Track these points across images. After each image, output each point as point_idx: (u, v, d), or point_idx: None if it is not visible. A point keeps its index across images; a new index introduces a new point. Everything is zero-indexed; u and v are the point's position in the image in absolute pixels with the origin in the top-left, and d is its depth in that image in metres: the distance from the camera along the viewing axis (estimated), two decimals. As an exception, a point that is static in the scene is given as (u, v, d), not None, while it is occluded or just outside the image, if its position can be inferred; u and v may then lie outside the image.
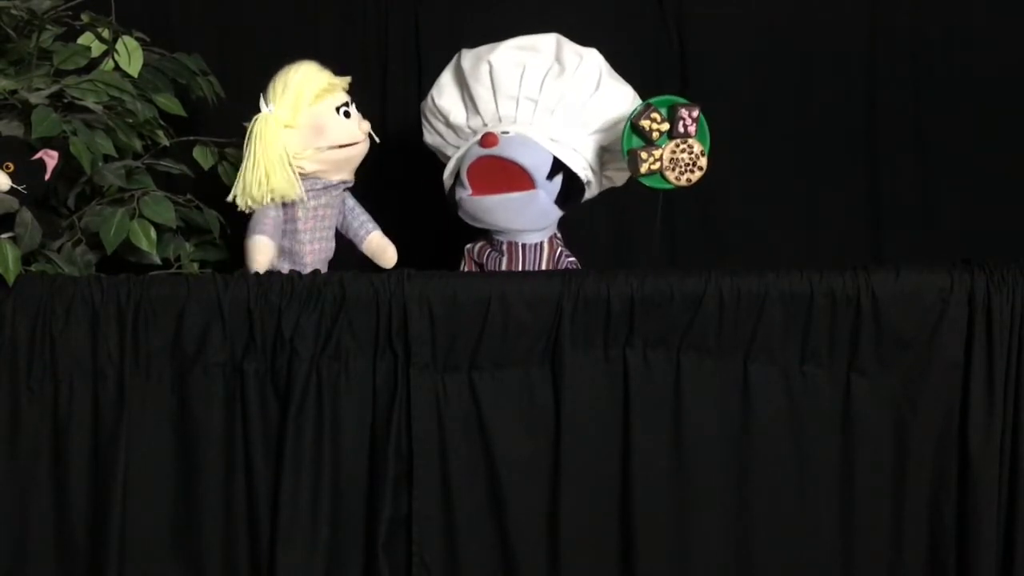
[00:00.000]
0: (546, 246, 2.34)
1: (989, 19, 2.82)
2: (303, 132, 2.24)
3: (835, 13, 2.83)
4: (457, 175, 2.32)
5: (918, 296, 2.05)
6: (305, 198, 2.25)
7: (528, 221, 2.31)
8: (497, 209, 2.29)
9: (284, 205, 2.26)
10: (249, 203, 2.24)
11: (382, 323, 2.05)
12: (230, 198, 2.24)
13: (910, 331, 2.06)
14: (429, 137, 2.45)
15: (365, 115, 2.39)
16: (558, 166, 2.29)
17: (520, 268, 2.33)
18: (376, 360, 2.06)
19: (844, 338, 2.06)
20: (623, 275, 2.06)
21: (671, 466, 2.07)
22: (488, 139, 2.26)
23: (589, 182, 2.36)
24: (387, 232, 2.43)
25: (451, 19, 2.81)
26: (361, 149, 2.31)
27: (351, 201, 2.38)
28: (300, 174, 2.25)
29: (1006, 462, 2.07)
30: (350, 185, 2.35)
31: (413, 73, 2.80)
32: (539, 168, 2.27)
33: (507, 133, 2.28)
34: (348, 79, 2.31)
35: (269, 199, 2.23)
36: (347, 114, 2.28)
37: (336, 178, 2.30)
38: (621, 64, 2.73)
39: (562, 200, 2.31)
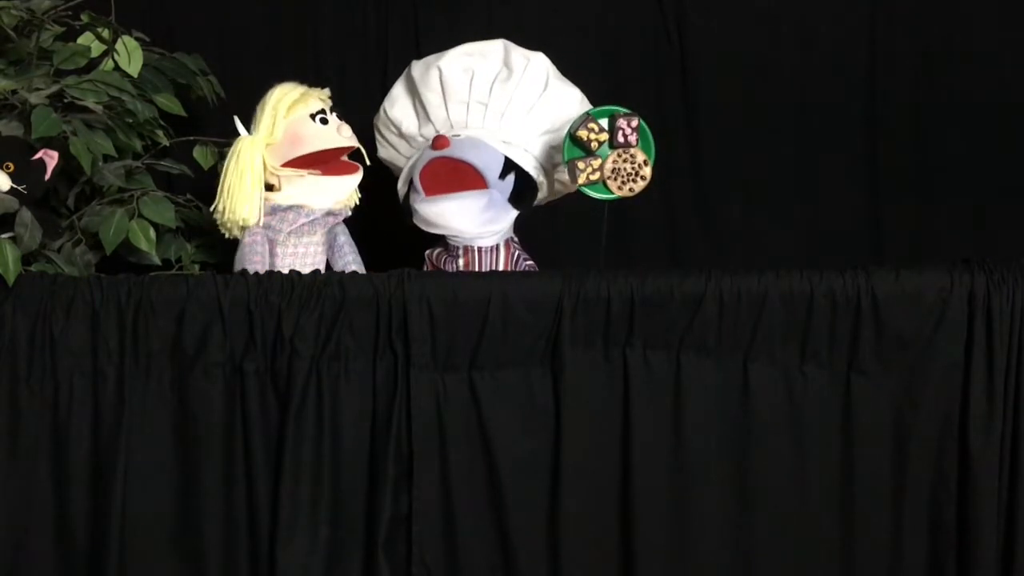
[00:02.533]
0: (502, 249, 2.34)
1: (989, 19, 2.82)
2: (281, 146, 2.25)
3: (835, 13, 2.83)
4: (411, 182, 2.31)
5: (918, 296, 2.05)
6: (261, 220, 2.24)
7: (482, 222, 2.30)
8: (451, 211, 2.28)
9: (267, 240, 2.26)
10: (226, 230, 2.26)
11: (382, 323, 2.05)
12: (221, 229, 2.28)
13: (910, 331, 2.06)
14: (383, 151, 2.45)
15: (365, 116, 2.39)
16: (510, 166, 2.30)
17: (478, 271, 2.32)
18: (376, 360, 2.06)
19: (844, 338, 2.06)
20: (623, 275, 2.06)
21: (671, 466, 2.07)
22: (439, 141, 2.26)
23: (541, 182, 2.36)
24: (387, 236, 2.43)
25: (451, 19, 2.81)
26: (347, 181, 2.30)
27: (343, 238, 2.36)
28: (281, 204, 2.25)
29: (1006, 462, 2.06)
30: (339, 219, 2.33)
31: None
32: (490, 167, 2.28)
33: (458, 136, 2.29)
34: (327, 91, 2.33)
35: (239, 225, 2.24)
36: (324, 120, 2.28)
37: (319, 207, 2.28)
38: (621, 64, 2.74)
39: (515, 199, 2.31)
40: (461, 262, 2.33)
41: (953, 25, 2.82)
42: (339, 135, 2.29)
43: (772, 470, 2.08)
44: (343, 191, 2.32)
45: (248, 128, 2.27)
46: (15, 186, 2.13)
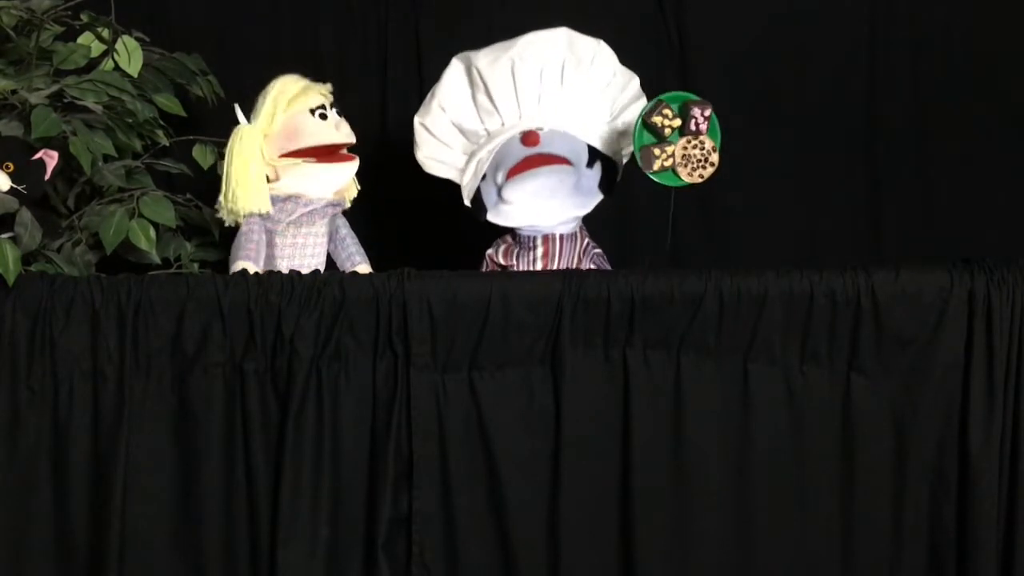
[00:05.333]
0: (579, 236, 2.34)
1: (989, 19, 2.82)
2: (278, 138, 2.25)
3: (835, 12, 2.83)
4: (483, 178, 2.29)
5: (918, 296, 2.05)
6: (271, 212, 2.24)
7: (572, 201, 2.28)
8: (544, 185, 2.26)
9: (266, 230, 2.26)
10: (231, 217, 2.25)
11: (382, 323, 2.05)
12: (219, 215, 2.27)
13: (910, 331, 2.06)
14: (427, 150, 2.38)
15: (365, 116, 2.39)
16: (594, 154, 2.30)
17: (557, 261, 2.31)
18: (376, 360, 2.06)
19: (844, 338, 2.06)
20: (623, 275, 2.06)
21: (671, 466, 2.07)
22: (530, 138, 2.26)
23: (619, 165, 2.37)
24: (388, 234, 2.43)
25: (451, 19, 2.81)
26: (344, 170, 2.29)
27: (345, 230, 2.36)
28: (278, 194, 2.25)
29: (1006, 462, 2.06)
30: (339, 209, 2.33)
31: (413, 73, 2.80)
32: (580, 157, 2.29)
33: (541, 129, 2.28)
34: (328, 86, 2.32)
35: (244, 213, 2.24)
36: (323, 116, 2.27)
37: (317, 196, 2.27)
38: (622, 64, 2.73)
39: (604, 186, 2.32)
40: (540, 251, 2.31)
41: (953, 25, 2.82)
42: (336, 131, 2.28)
43: (772, 470, 2.08)
44: (340, 180, 2.31)
45: (248, 117, 2.27)
46: (15, 186, 2.13)
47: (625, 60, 2.69)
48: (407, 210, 2.58)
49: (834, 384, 2.08)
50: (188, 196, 2.42)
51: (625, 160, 2.38)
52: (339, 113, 2.31)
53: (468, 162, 2.34)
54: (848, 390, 2.08)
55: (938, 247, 2.79)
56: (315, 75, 2.41)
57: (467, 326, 2.05)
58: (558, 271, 2.27)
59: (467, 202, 2.33)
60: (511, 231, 2.33)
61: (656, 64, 2.83)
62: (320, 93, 2.30)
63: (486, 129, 2.34)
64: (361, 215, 2.42)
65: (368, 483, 2.07)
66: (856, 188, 2.85)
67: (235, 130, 2.26)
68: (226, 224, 2.29)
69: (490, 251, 2.37)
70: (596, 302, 2.04)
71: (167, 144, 2.40)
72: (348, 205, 2.37)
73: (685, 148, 2.18)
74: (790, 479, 2.08)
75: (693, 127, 2.17)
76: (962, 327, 2.05)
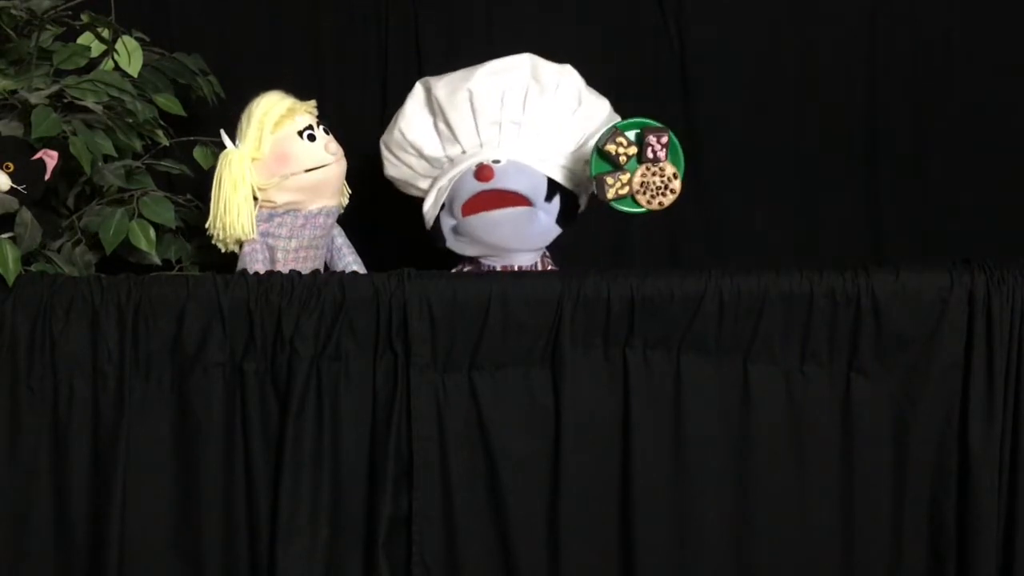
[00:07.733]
0: (540, 264, 2.34)
1: (989, 19, 2.82)
2: (267, 163, 2.23)
3: (835, 13, 2.83)
4: (443, 206, 2.30)
5: (918, 296, 2.05)
6: (256, 235, 2.23)
7: (528, 239, 2.30)
8: (498, 225, 2.26)
9: (267, 247, 2.25)
10: (226, 242, 2.25)
11: (382, 323, 2.05)
12: (214, 240, 2.26)
13: (910, 331, 2.06)
14: (393, 170, 2.40)
15: (365, 119, 2.38)
16: (553, 187, 2.29)
17: None
18: (376, 360, 2.06)
19: (844, 338, 2.06)
20: (623, 275, 2.06)
21: (671, 466, 2.07)
22: (484, 173, 2.23)
23: (583, 199, 2.36)
24: (385, 239, 2.42)
25: (451, 21, 2.81)
26: (332, 171, 2.28)
27: (341, 239, 2.35)
28: (275, 209, 2.24)
29: (1006, 462, 2.06)
30: (335, 214, 2.31)
31: (413, 73, 2.79)
32: (537, 191, 2.26)
33: (498, 162, 2.26)
34: (312, 103, 2.30)
35: (232, 240, 2.23)
36: (311, 137, 2.26)
37: (315, 206, 2.27)
38: (621, 67, 2.75)
39: (563, 219, 2.30)
40: None
41: (953, 24, 2.82)
42: (326, 152, 2.27)
43: (772, 470, 2.08)
44: (331, 180, 2.29)
45: (233, 138, 2.26)
46: (15, 186, 2.12)
47: (625, 66, 2.70)
48: (407, 211, 2.58)
49: (834, 384, 2.08)
50: (188, 196, 2.42)
51: (591, 190, 2.39)
52: (326, 130, 2.29)
53: (430, 188, 2.34)
54: (848, 390, 2.08)
55: (938, 247, 2.79)
56: (314, 76, 2.41)
57: (467, 326, 2.05)
58: (558, 271, 2.27)
59: (428, 228, 2.33)
60: (472, 258, 2.33)
61: (656, 65, 2.83)
62: (306, 111, 2.29)
63: (447, 156, 2.33)
64: (360, 216, 2.42)
65: (368, 483, 2.07)
66: (856, 188, 2.85)
67: (223, 155, 2.24)
68: (223, 251, 2.28)
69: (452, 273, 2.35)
70: (596, 302, 2.04)
71: (167, 144, 2.40)
72: (342, 210, 2.36)
73: (644, 175, 2.16)
74: (790, 479, 2.08)
75: (650, 155, 2.15)
76: (962, 327, 2.05)
